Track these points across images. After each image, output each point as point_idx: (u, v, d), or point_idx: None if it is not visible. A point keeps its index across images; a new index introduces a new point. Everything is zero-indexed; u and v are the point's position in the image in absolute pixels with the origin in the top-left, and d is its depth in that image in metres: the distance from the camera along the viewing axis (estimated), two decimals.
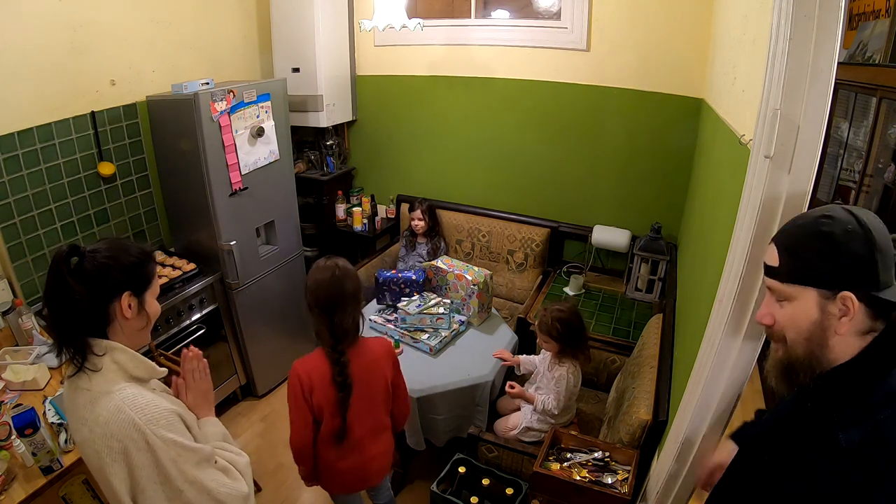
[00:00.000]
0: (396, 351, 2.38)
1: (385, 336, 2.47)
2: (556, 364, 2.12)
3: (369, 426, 1.70)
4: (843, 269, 0.76)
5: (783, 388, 0.85)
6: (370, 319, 2.60)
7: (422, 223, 3.21)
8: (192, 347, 1.31)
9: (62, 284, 0.99)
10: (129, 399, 1.01)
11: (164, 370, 1.15)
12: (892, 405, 0.73)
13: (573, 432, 2.02)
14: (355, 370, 1.61)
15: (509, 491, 1.97)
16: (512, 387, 2.17)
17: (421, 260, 3.17)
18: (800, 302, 0.80)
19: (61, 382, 1.83)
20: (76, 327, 1.01)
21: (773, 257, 0.84)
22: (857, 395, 0.76)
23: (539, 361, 2.24)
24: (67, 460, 1.54)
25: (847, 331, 0.77)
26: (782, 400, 0.96)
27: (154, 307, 1.13)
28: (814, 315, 0.79)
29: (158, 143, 2.65)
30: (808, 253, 0.79)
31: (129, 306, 1.06)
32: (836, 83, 1.01)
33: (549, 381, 2.13)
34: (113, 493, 1.01)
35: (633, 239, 2.88)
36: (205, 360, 1.31)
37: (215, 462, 1.12)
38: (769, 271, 0.85)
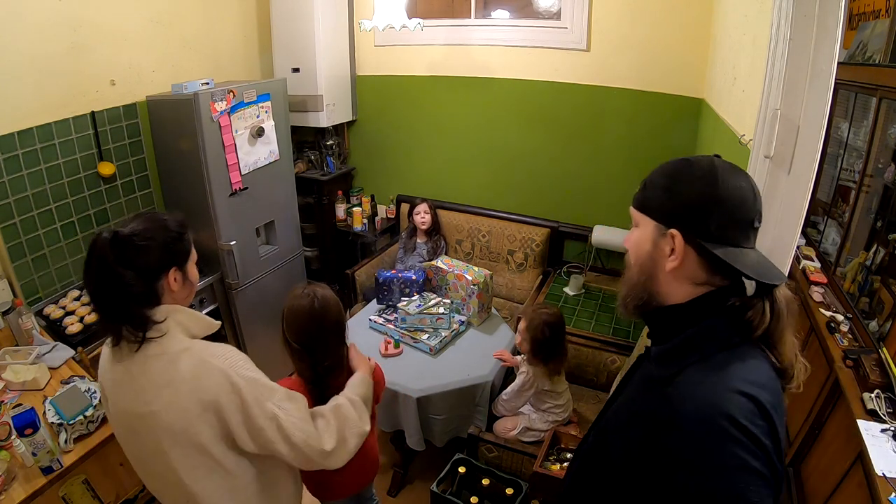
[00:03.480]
0: (396, 351, 2.39)
1: (386, 336, 2.48)
2: (524, 363, 2.16)
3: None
4: (676, 208, 0.76)
5: (623, 312, 0.88)
6: (370, 319, 2.60)
7: (428, 217, 3.19)
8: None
9: (109, 273, 1.00)
10: (206, 350, 1.06)
11: (219, 323, 1.19)
12: (706, 349, 0.74)
13: (573, 432, 2.02)
14: None
15: (509, 491, 1.97)
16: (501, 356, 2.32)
17: (421, 260, 3.17)
18: (642, 230, 0.82)
19: (62, 382, 1.83)
20: (132, 306, 1.03)
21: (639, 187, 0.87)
22: (671, 336, 0.79)
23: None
24: (67, 460, 1.54)
25: (674, 271, 0.77)
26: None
27: (194, 274, 1.16)
28: (647, 246, 0.80)
29: (158, 143, 2.65)
30: (656, 187, 0.80)
31: (175, 280, 1.09)
32: (836, 83, 1.01)
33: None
34: (198, 447, 1.05)
35: None
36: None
37: (322, 416, 1.19)
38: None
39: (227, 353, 1.08)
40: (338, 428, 1.19)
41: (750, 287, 0.76)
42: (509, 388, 2.17)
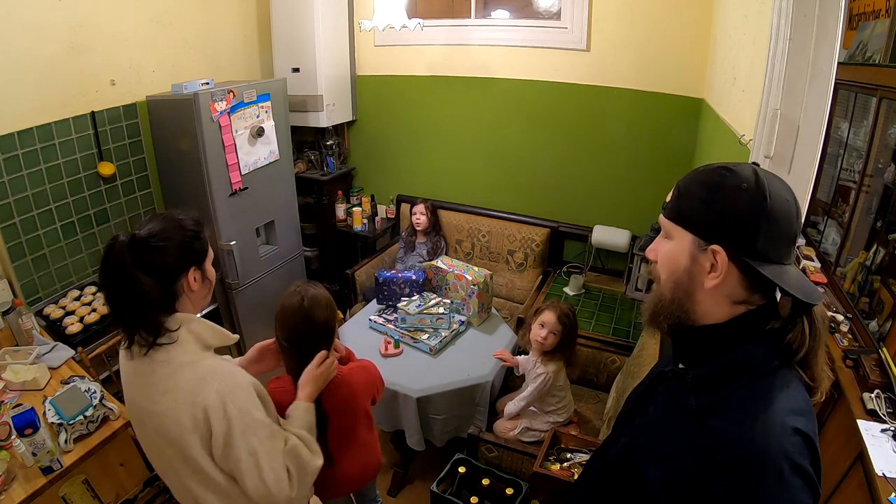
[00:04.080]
0: (396, 351, 2.39)
1: (386, 336, 2.48)
2: (540, 363, 2.11)
3: (353, 447, 1.61)
4: (719, 222, 0.71)
5: (651, 328, 0.84)
6: (370, 319, 2.60)
7: (424, 218, 3.20)
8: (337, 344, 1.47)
9: (126, 277, 0.99)
10: (210, 369, 1.04)
11: (237, 336, 1.18)
12: (748, 376, 0.71)
13: (573, 432, 2.02)
14: (330, 405, 1.47)
15: (509, 491, 1.97)
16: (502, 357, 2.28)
17: (421, 260, 3.17)
18: (676, 243, 0.76)
19: (61, 382, 1.83)
20: (147, 312, 1.02)
21: (670, 194, 0.81)
22: (712, 360, 0.75)
23: (524, 361, 2.23)
24: (67, 460, 1.54)
25: (714, 289, 0.73)
26: (660, 361, 0.95)
27: (212, 272, 1.15)
28: (684, 261, 0.75)
29: (158, 143, 2.65)
30: (692, 196, 0.74)
31: (195, 279, 1.08)
32: (836, 83, 1.01)
33: (531, 379, 2.13)
34: (190, 459, 1.05)
35: (633, 239, 2.88)
36: (334, 356, 1.45)
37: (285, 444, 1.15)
38: (663, 206, 0.82)
39: (227, 378, 1.05)
40: (297, 467, 1.16)
41: (785, 305, 0.72)
42: (526, 393, 2.11)
